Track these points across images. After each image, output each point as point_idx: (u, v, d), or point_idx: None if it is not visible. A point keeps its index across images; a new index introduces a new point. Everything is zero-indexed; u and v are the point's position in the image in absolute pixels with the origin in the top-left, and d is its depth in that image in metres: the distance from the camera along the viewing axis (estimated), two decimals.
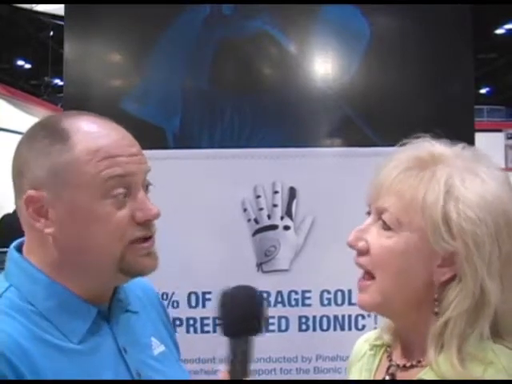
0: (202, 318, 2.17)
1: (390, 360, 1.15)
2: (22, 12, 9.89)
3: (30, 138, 1.14)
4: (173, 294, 2.16)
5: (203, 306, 2.18)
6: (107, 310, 1.18)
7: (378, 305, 1.10)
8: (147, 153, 1.17)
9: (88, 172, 1.09)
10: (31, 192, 1.10)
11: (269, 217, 2.20)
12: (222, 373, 1.13)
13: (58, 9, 6.91)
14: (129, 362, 1.16)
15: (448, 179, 1.04)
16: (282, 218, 2.20)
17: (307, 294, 2.19)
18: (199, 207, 2.17)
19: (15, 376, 1.02)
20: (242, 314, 1.14)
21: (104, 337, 1.15)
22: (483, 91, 20.29)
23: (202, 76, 2.21)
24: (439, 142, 1.12)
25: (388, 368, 1.14)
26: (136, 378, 1.15)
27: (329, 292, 2.19)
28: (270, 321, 2.15)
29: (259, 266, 2.19)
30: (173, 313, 2.05)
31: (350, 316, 2.19)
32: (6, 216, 7.10)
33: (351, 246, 1.10)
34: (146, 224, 1.13)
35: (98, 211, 1.09)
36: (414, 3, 2.21)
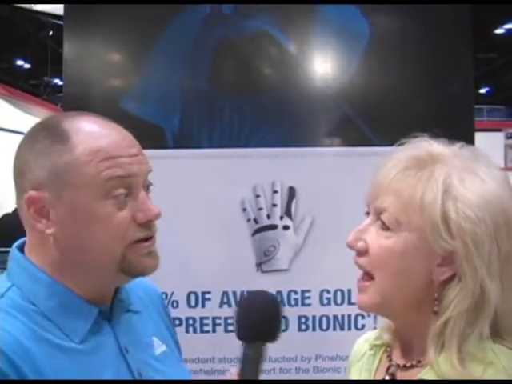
0: (202, 318, 2.18)
1: (390, 360, 1.15)
2: (22, 12, 9.89)
3: (30, 139, 1.14)
4: (172, 293, 2.16)
5: (202, 305, 2.18)
6: (109, 310, 1.18)
7: (377, 305, 1.10)
8: (146, 152, 1.17)
9: (88, 173, 1.09)
10: (32, 192, 1.10)
11: (268, 216, 2.20)
12: (232, 375, 1.12)
13: (58, 8, 6.91)
14: (130, 362, 1.16)
15: (446, 178, 1.04)
16: (281, 217, 2.20)
17: (307, 294, 2.19)
18: (198, 207, 2.17)
19: (17, 375, 1.02)
20: (258, 320, 1.13)
21: (105, 336, 1.15)
22: (483, 91, 20.30)
23: (202, 76, 2.21)
24: (437, 141, 1.12)
25: (388, 368, 1.14)
26: (137, 377, 1.15)
27: (328, 292, 2.20)
28: None
29: (259, 265, 2.19)
30: (172, 312, 2.02)
31: (349, 316, 2.19)
32: (6, 216, 7.09)
33: (350, 246, 1.10)
34: (147, 224, 1.13)
35: (98, 212, 1.09)
36: (414, 3, 2.21)
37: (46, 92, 15.52)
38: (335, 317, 2.20)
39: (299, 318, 2.18)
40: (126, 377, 1.14)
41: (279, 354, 2.17)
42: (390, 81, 2.24)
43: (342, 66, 2.24)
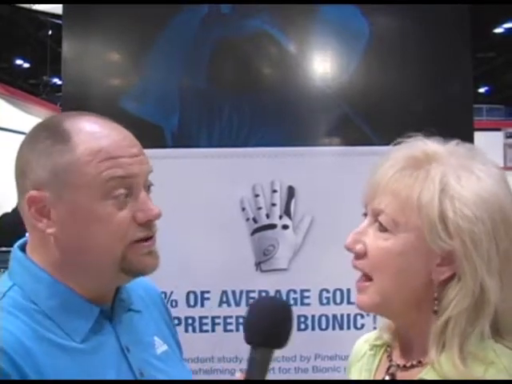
0: (201, 317, 2.18)
1: (390, 360, 1.15)
2: (21, 11, 9.88)
3: (32, 139, 1.14)
4: (171, 293, 2.16)
5: (202, 305, 2.18)
6: (110, 309, 1.18)
7: (377, 305, 1.10)
8: (145, 152, 1.18)
9: (89, 173, 1.09)
10: (33, 192, 1.11)
11: (267, 216, 2.20)
12: (241, 375, 1.12)
13: (57, 8, 6.90)
14: (131, 361, 1.16)
15: (442, 177, 1.04)
16: (280, 217, 2.20)
17: (306, 293, 2.19)
18: (198, 206, 2.17)
19: (18, 375, 1.03)
20: (267, 326, 1.12)
21: (107, 336, 1.15)
22: (482, 90, 20.28)
23: (201, 75, 2.21)
24: (432, 140, 1.11)
25: (388, 368, 1.14)
26: (139, 377, 1.16)
27: (328, 291, 2.19)
28: None
29: (258, 265, 2.19)
30: (171, 312, 2.04)
31: (348, 315, 2.19)
32: (5, 215, 7.10)
33: (349, 248, 1.10)
34: (148, 224, 1.13)
35: (98, 212, 1.10)
36: (413, 3, 2.21)
37: (45, 91, 15.50)
38: (334, 316, 2.20)
39: (298, 317, 2.18)
40: (128, 376, 1.14)
41: (278, 354, 2.15)
42: (390, 80, 2.24)
43: (342, 65, 2.24)
